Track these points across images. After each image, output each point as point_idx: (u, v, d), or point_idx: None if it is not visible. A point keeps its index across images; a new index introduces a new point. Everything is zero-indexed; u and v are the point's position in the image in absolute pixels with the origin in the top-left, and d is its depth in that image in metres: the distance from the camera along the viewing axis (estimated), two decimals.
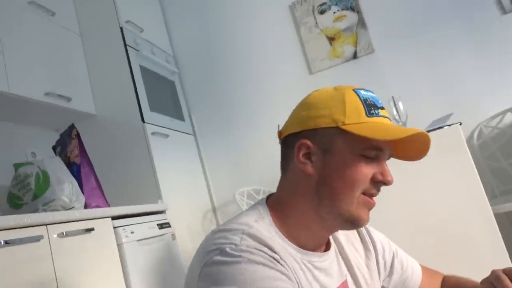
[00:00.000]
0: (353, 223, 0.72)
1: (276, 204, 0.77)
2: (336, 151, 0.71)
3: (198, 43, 3.15)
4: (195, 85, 3.13)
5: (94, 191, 1.79)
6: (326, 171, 0.71)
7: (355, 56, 2.78)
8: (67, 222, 1.46)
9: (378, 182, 0.71)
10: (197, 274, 0.66)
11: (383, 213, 1.43)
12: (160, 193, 2.28)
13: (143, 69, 2.57)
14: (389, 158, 0.76)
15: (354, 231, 0.88)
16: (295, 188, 0.75)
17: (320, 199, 0.71)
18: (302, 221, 0.74)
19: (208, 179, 2.97)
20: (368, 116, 0.71)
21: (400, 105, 1.82)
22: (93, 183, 1.80)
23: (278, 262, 0.65)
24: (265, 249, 0.65)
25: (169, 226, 2.11)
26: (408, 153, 0.76)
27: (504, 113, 2.38)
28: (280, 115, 3.23)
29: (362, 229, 0.90)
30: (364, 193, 0.71)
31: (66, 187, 1.58)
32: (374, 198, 0.73)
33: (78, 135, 1.85)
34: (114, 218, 1.72)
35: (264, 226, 0.72)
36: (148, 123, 2.40)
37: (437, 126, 1.45)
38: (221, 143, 3.01)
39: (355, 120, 0.70)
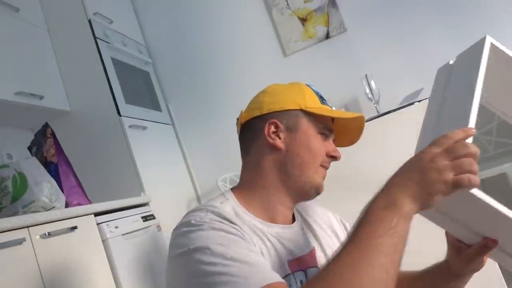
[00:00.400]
0: (316, 190, 0.84)
1: (240, 187, 0.87)
2: (301, 129, 0.83)
3: (170, 31, 3.10)
4: (170, 74, 3.10)
5: (74, 189, 1.77)
6: (293, 146, 0.83)
7: (327, 36, 2.79)
8: (49, 222, 1.45)
9: (331, 157, 0.85)
10: (169, 253, 0.74)
11: (353, 191, 1.47)
12: (142, 185, 2.28)
13: (115, 61, 2.53)
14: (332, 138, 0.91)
15: (314, 210, 0.97)
16: (261, 164, 0.84)
17: (288, 170, 0.82)
18: (267, 195, 0.83)
19: (190, 168, 2.97)
20: (322, 104, 0.86)
21: (373, 84, 1.85)
22: (72, 181, 1.78)
23: (239, 231, 0.72)
24: (226, 222, 0.73)
25: (154, 218, 2.12)
26: (342, 141, 0.92)
27: None
28: None
29: (319, 208, 0.99)
30: (323, 165, 0.84)
31: (45, 188, 1.57)
32: None
33: (53, 133, 1.82)
34: (97, 214, 1.72)
35: (229, 206, 0.80)
36: (124, 116, 2.37)
37: (408, 102, 1.48)
38: (200, 131, 3.01)
39: (314, 105, 0.85)
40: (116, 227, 1.78)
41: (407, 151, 1.42)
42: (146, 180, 2.32)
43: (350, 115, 0.88)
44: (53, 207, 1.58)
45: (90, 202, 1.89)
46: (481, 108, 2.38)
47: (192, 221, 0.73)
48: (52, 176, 1.69)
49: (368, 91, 1.83)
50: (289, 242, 0.82)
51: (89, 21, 2.42)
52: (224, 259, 0.63)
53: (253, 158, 0.86)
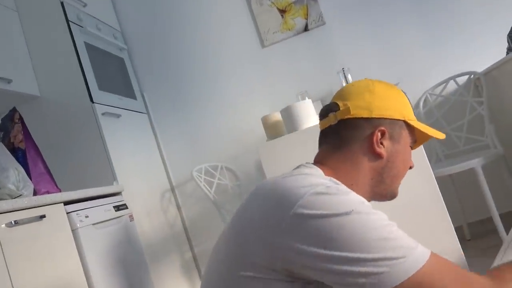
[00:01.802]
0: (392, 198, 0.88)
1: (328, 170, 0.82)
2: (401, 140, 0.84)
3: (146, 17, 3.03)
4: (146, 62, 3.03)
5: (43, 177, 1.72)
6: (393, 156, 0.84)
7: (306, 28, 2.79)
8: (15, 210, 1.41)
9: (410, 167, 0.89)
10: (288, 211, 0.63)
11: None
12: (114, 174, 2.23)
13: (89, 46, 2.45)
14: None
15: None
16: (357, 165, 0.83)
17: (382, 178, 0.84)
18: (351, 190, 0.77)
19: (164, 158, 2.93)
20: (415, 116, 0.88)
21: (349, 77, 1.86)
22: (41, 168, 1.73)
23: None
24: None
25: (126, 208, 2.08)
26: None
27: (447, 81, 2.49)
28: (234, 90, 3.25)
29: None
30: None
31: (12, 175, 1.51)
32: None
33: (21, 118, 1.76)
34: (67, 203, 1.68)
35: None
36: (97, 103, 2.31)
37: None
38: (175, 120, 2.97)
39: (412, 117, 0.86)
40: (87, 217, 1.75)
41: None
42: (119, 169, 2.27)
43: (437, 134, 0.90)
44: (20, 195, 1.53)
45: (60, 191, 1.85)
46: (454, 103, 2.44)
47: (331, 186, 0.66)
48: (20, 162, 1.63)
49: (344, 84, 1.84)
50: None
51: (62, 3, 2.34)
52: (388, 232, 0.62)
53: (350, 155, 0.83)
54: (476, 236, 2.44)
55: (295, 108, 1.61)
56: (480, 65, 2.39)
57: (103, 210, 1.90)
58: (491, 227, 2.06)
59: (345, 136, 0.84)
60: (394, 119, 0.83)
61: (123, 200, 2.10)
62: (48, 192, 1.71)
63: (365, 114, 0.83)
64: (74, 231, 1.66)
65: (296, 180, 0.68)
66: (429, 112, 2.56)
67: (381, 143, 0.82)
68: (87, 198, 1.84)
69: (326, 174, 0.80)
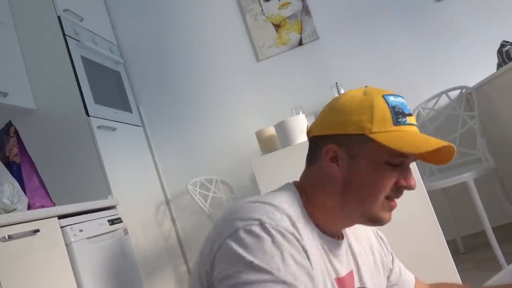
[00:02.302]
0: (376, 222, 0.76)
1: (302, 191, 0.80)
2: (362, 157, 0.73)
3: (143, 31, 3.07)
4: (142, 75, 3.06)
5: (38, 191, 1.72)
6: (351, 176, 0.74)
7: (300, 43, 2.82)
8: (9, 225, 1.41)
9: (401, 187, 0.74)
10: (228, 233, 0.67)
11: None
12: (109, 188, 2.23)
13: (85, 60, 2.48)
14: (415, 160, 0.79)
15: (360, 227, 0.89)
16: (321, 185, 0.78)
17: (345, 200, 0.75)
18: (325, 210, 0.77)
19: (159, 171, 2.94)
20: (395, 125, 0.72)
21: (342, 91, 1.89)
22: (35, 183, 1.73)
23: (305, 253, 0.68)
24: (298, 236, 0.68)
25: (121, 222, 2.08)
26: (432, 157, 0.78)
27: (439, 95, 2.53)
28: (229, 103, 3.29)
29: (373, 233, 0.94)
30: (387, 197, 0.74)
31: (6, 189, 1.51)
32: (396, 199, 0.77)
33: (16, 132, 1.77)
34: (61, 217, 1.68)
35: (296, 210, 0.74)
36: (93, 117, 2.32)
37: None
38: (171, 133, 2.98)
39: (382, 128, 0.72)
40: (81, 231, 1.74)
41: None
42: (114, 182, 2.27)
43: (424, 146, 0.70)
44: (15, 209, 1.53)
45: (54, 205, 1.85)
46: (447, 117, 2.47)
47: (267, 225, 0.66)
48: (14, 176, 1.64)
49: None
50: (336, 258, 0.78)
51: (59, 17, 2.36)
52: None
53: (313, 175, 0.80)
54: (470, 249, 2.45)
55: (288, 123, 1.63)
56: (472, 80, 2.43)
57: (97, 224, 1.89)
58: (485, 241, 2.07)
59: (310, 156, 0.81)
60: (349, 134, 0.74)
61: (117, 214, 2.10)
62: (42, 206, 1.71)
63: (318, 132, 0.79)
64: (68, 245, 1.65)
65: (243, 211, 0.70)
66: (422, 126, 2.58)
67: (336, 163, 0.75)
68: (82, 212, 1.84)
69: (301, 195, 0.78)
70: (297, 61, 2.83)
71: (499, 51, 2.22)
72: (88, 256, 1.74)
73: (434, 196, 1.73)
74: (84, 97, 2.31)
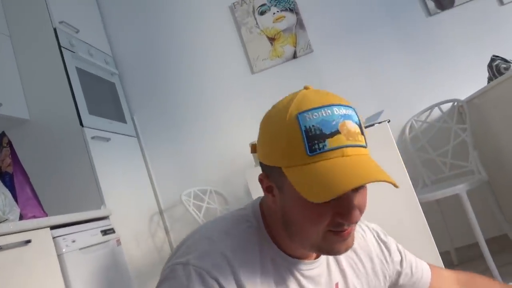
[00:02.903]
0: (330, 253, 0.67)
1: (267, 214, 0.73)
2: (287, 191, 0.63)
3: (138, 43, 3.09)
4: (137, 86, 3.07)
5: (30, 201, 1.71)
6: (284, 209, 0.66)
7: (294, 56, 2.85)
8: (1, 235, 1.39)
9: (339, 223, 0.62)
10: (166, 264, 0.68)
11: None
12: (102, 198, 2.22)
13: (80, 71, 2.48)
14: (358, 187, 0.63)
15: (361, 236, 0.84)
16: (269, 214, 0.72)
17: (289, 233, 0.67)
18: (282, 237, 0.70)
19: (153, 181, 2.93)
20: (310, 155, 0.59)
21: None
22: (28, 193, 1.72)
23: None
24: (223, 281, 0.62)
25: (113, 232, 2.07)
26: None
27: (431, 108, 2.56)
28: (223, 114, 3.30)
29: (373, 236, 0.87)
30: (332, 230, 0.63)
31: None
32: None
33: (9, 143, 1.76)
34: (53, 227, 1.67)
35: (251, 235, 0.69)
36: (87, 127, 2.32)
37: (368, 124, 1.54)
38: (165, 144, 2.98)
39: (297, 161, 0.60)
40: (73, 241, 1.73)
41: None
42: (107, 192, 2.26)
43: (336, 189, 0.56)
44: (6, 220, 1.52)
45: (47, 215, 1.83)
46: (439, 129, 2.49)
47: (190, 266, 0.63)
48: (7, 187, 1.63)
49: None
50: (309, 281, 0.71)
51: (55, 29, 2.38)
52: None
53: (266, 203, 0.73)
54: (463, 261, 2.45)
55: None
56: (463, 93, 2.46)
57: (90, 234, 1.88)
58: (478, 252, 2.08)
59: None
60: (270, 165, 0.64)
61: (110, 224, 2.09)
62: (34, 217, 1.70)
63: (254, 152, 0.71)
64: (60, 256, 1.64)
65: (187, 243, 0.69)
66: (415, 138, 2.61)
67: (272, 192, 0.67)
68: (74, 222, 1.83)
69: (264, 214, 0.72)
70: (291, 73, 2.85)
71: (489, 65, 2.26)
72: (80, 266, 1.72)
73: (427, 207, 1.74)
74: (79, 107, 2.32)
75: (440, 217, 2.45)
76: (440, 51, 2.68)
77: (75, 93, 2.33)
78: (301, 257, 0.71)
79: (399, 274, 0.87)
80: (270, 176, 0.66)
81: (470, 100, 2.38)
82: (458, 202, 2.06)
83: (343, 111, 0.61)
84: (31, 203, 1.72)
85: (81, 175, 2.25)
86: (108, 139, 2.49)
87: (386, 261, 0.85)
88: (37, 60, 2.37)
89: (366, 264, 0.81)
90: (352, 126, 0.61)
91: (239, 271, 0.63)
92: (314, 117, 0.59)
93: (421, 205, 1.64)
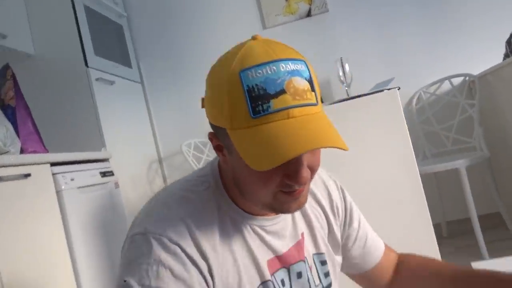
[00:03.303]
0: (278, 211, 0.65)
1: (224, 173, 0.71)
2: (235, 152, 0.59)
3: None
4: (144, 31, 2.99)
5: (31, 136, 1.71)
6: (234, 169, 0.63)
7: (309, 14, 2.77)
8: (1, 167, 1.40)
9: (288, 184, 0.59)
10: (127, 235, 0.66)
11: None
12: (103, 141, 2.23)
13: (88, 10, 2.41)
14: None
15: (323, 188, 0.82)
16: (227, 170, 0.69)
17: (241, 191, 0.65)
18: (238, 195, 0.69)
19: (154, 129, 2.93)
20: (254, 118, 0.55)
21: (347, 67, 1.87)
22: (30, 128, 1.72)
23: (194, 263, 0.61)
24: (184, 246, 0.61)
25: (112, 175, 2.09)
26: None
27: (442, 81, 2.51)
28: None
29: (336, 188, 0.84)
30: (281, 191, 0.61)
31: (0, 131, 1.50)
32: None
33: (13, 75, 1.74)
34: (53, 164, 1.68)
35: (209, 196, 0.68)
36: (92, 68, 2.29)
37: (378, 89, 1.51)
38: (169, 93, 2.95)
39: (240, 123, 0.56)
40: (72, 180, 1.75)
41: (372, 136, 1.47)
42: (108, 135, 2.26)
43: (279, 158, 0.53)
44: (7, 152, 1.52)
45: (47, 151, 1.84)
46: (447, 103, 2.47)
47: (149, 235, 0.61)
48: (9, 120, 1.62)
49: (341, 73, 1.85)
50: (273, 236, 0.70)
51: None
52: None
53: None
54: (453, 234, 2.49)
55: None
56: (476, 69, 2.41)
57: (89, 175, 1.90)
58: (469, 227, 2.11)
59: None
60: (216, 125, 0.61)
61: (110, 167, 2.10)
62: (35, 152, 1.70)
63: (203, 107, 0.67)
64: (58, 192, 1.66)
65: (143, 212, 0.67)
66: (421, 110, 2.58)
67: (222, 152, 0.65)
68: (74, 161, 1.84)
69: (221, 177, 0.70)
70: (303, 32, 2.78)
71: (508, 42, 2.20)
72: (78, 205, 1.75)
73: (425, 179, 1.75)
74: (84, 47, 2.27)
75: (436, 190, 2.47)
76: (457, 23, 2.60)
77: (81, 31, 2.28)
78: (262, 214, 0.70)
79: (352, 238, 0.84)
80: (218, 135, 0.62)
81: (483, 76, 2.33)
82: (456, 176, 2.07)
83: (290, 66, 0.56)
84: (32, 138, 1.72)
85: (83, 116, 2.24)
86: (112, 82, 2.46)
87: (345, 218, 0.84)
88: None
89: (330, 215, 0.80)
90: (301, 83, 0.56)
91: (198, 235, 0.62)
92: (258, 75, 0.55)
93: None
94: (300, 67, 0.57)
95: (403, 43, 2.66)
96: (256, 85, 0.54)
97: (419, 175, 1.47)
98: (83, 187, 1.81)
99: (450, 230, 2.52)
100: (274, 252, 0.70)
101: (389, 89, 1.48)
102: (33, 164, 1.56)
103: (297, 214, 0.76)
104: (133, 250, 0.62)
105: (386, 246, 0.90)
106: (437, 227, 2.43)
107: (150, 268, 0.59)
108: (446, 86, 2.52)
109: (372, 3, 2.69)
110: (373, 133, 1.47)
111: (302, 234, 0.75)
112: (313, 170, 0.62)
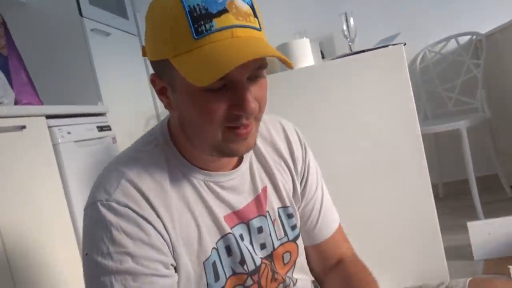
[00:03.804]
0: (228, 154, 0.63)
1: (173, 127, 0.69)
2: (178, 87, 0.58)
3: None
4: None
5: (25, 87, 1.67)
6: (180, 108, 0.61)
7: None
8: None
9: (236, 115, 0.57)
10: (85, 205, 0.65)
11: (318, 126, 1.48)
12: (100, 94, 2.18)
13: None
14: (259, 69, 0.58)
15: (284, 138, 0.80)
16: (173, 120, 0.68)
17: (187, 135, 0.64)
18: (187, 147, 0.67)
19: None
20: (196, 39, 0.53)
21: (351, 21, 1.80)
22: (23, 79, 1.67)
23: (147, 221, 0.61)
24: (134, 205, 0.60)
25: (110, 129, 2.06)
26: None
27: (448, 39, 2.44)
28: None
29: (299, 141, 0.81)
30: (227, 127, 0.59)
31: None
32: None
33: (4, 23, 1.67)
34: (48, 117, 1.64)
35: (158, 154, 0.66)
36: (86, 18, 2.20)
37: (383, 44, 1.46)
38: None
39: (183, 48, 0.54)
40: (69, 133, 1.72)
41: (374, 93, 1.43)
42: (104, 89, 2.22)
43: (222, 67, 0.51)
44: (1, 103, 1.49)
45: (42, 103, 1.80)
46: (452, 62, 2.40)
47: (98, 203, 0.60)
48: (1, 69, 1.57)
49: (345, 28, 1.78)
50: (229, 192, 0.69)
51: None
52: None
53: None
54: (449, 195, 2.52)
55: (290, 46, 1.56)
56: (484, 27, 2.33)
57: (85, 129, 1.87)
58: (466, 188, 2.12)
59: None
60: (160, 60, 0.58)
61: (107, 122, 2.07)
62: (30, 104, 1.67)
63: (145, 55, 0.63)
64: (55, 145, 1.64)
65: (95, 183, 0.65)
66: (425, 69, 2.52)
67: (165, 94, 0.63)
68: (70, 114, 1.80)
69: (172, 125, 0.68)
70: None
71: None
72: (75, 158, 1.74)
73: (424, 139, 1.73)
74: None
75: (435, 150, 2.47)
76: None
77: None
78: (216, 169, 0.68)
79: (309, 197, 0.81)
80: (161, 74, 0.60)
81: (490, 34, 2.27)
82: (455, 137, 2.05)
83: None
84: (26, 90, 1.67)
85: (78, 68, 2.18)
86: (108, 34, 2.38)
87: (304, 173, 0.81)
88: None
89: (292, 168, 0.78)
90: (243, 5, 0.55)
91: (148, 193, 0.62)
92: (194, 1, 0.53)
93: None
94: None
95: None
96: (198, 4, 0.53)
97: (420, 136, 1.45)
98: (80, 141, 1.79)
99: (447, 191, 2.54)
100: (231, 208, 0.69)
101: (394, 44, 1.43)
102: (28, 116, 1.52)
103: (257, 168, 0.74)
104: (87, 222, 0.62)
105: (341, 233, 0.87)
106: (434, 188, 2.44)
107: (105, 235, 0.58)
108: (452, 45, 2.45)
109: None
110: (376, 90, 1.43)
111: (264, 188, 0.74)
112: (260, 105, 0.60)
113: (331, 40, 2.57)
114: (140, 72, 2.78)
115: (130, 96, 2.55)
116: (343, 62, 1.47)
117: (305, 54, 1.54)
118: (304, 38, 1.62)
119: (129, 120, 2.48)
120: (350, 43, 1.77)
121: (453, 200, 2.42)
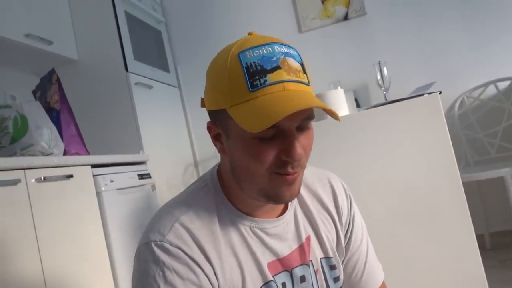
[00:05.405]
0: (275, 200, 0.66)
1: (223, 173, 0.73)
2: (232, 134, 0.63)
3: None
4: (182, 36, 3.05)
5: (74, 139, 1.78)
6: (232, 154, 0.66)
7: (346, 17, 2.73)
8: (45, 167, 1.46)
9: (284, 161, 0.61)
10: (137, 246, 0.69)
11: (355, 175, 1.47)
12: (141, 144, 2.28)
13: (129, 16, 2.49)
14: (307, 120, 0.63)
15: (330, 191, 0.81)
16: (224, 167, 0.72)
17: (238, 181, 0.67)
18: (236, 193, 0.70)
19: (191, 133, 2.97)
20: (252, 91, 0.59)
21: (385, 70, 1.82)
22: (72, 130, 1.78)
23: (196, 264, 0.64)
24: (186, 247, 0.64)
25: (150, 177, 2.13)
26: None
27: (486, 85, 2.41)
28: None
29: (344, 193, 0.83)
30: (277, 171, 0.62)
31: (45, 133, 1.57)
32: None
33: (58, 80, 1.81)
34: (94, 166, 1.73)
35: (208, 200, 0.70)
36: (131, 73, 2.35)
37: (418, 93, 1.46)
38: None
39: (239, 99, 0.60)
40: (112, 181, 1.80)
41: (411, 142, 1.42)
42: (146, 139, 2.32)
43: (273, 116, 0.56)
44: (51, 153, 1.59)
45: (89, 153, 1.90)
46: (491, 108, 2.36)
47: (152, 243, 0.64)
48: (54, 122, 1.69)
49: (379, 77, 1.80)
50: (274, 239, 0.71)
51: None
52: None
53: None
54: (496, 246, 2.38)
55: (326, 96, 1.60)
56: None
57: (127, 177, 1.95)
58: None
59: None
60: (217, 110, 0.64)
61: (147, 170, 2.15)
62: (77, 154, 1.77)
63: (203, 106, 0.70)
64: (98, 193, 1.71)
65: (149, 223, 0.70)
66: (464, 115, 2.48)
67: (220, 140, 0.68)
68: (114, 163, 1.89)
69: (221, 177, 0.72)
70: (340, 35, 2.74)
71: None
72: (117, 206, 1.80)
73: (467, 188, 1.67)
74: (125, 52, 2.34)
75: (479, 199, 2.37)
76: (502, 26, 2.48)
77: (122, 37, 2.35)
78: (262, 216, 0.71)
79: (353, 250, 0.83)
80: (217, 121, 0.66)
81: None
82: (500, 185, 1.97)
83: (284, 49, 0.62)
84: (75, 140, 1.78)
85: (122, 119, 2.30)
86: (151, 87, 2.52)
87: (348, 226, 0.82)
88: (88, 1, 2.39)
89: (337, 220, 0.80)
90: (294, 63, 0.61)
91: (199, 238, 0.65)
92: (255, 54, 0.60)
93: None
94: (293, 51, 0.63)
95: (444, 45, 2.57)
96: (254, 62, 0.59)
97: (461, 184, 1.41)
98: (121, 188, 1.86)
99: (494, 242, 2.40)
100: (276, 255, 0.71)
101: (429, 93, 1.43)
102: (75, 165, 1.62)
103: (301, 218, 0.76)
104: (140, 260, 0.65)
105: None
106: (480, 238, 2.32)
107: (157, 274, 0.62)
108: (491, 90, 2.42)
109: (411, 4, 2.62)
110: (413, 139, 1.42)
111: (308, 237, 0.75)
112: (306, 152, 0.64)
113: (366, 89, 2.60)
114: (180, 122, 2.89)
115: (170, 144, 2.65)
116: (378, 111, 1.48)
117: (340, 104, 1.57)
118: (339, 88, 1.65)
119: (168, 167, 2.56)
120: (385, 92, 1.78)
121: (502, 252, 2.28)
